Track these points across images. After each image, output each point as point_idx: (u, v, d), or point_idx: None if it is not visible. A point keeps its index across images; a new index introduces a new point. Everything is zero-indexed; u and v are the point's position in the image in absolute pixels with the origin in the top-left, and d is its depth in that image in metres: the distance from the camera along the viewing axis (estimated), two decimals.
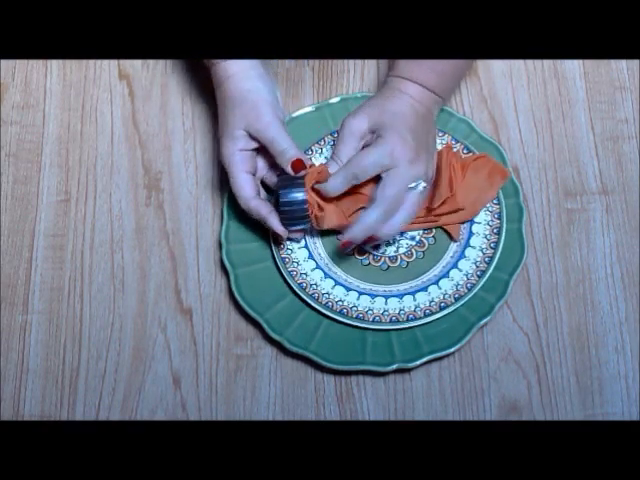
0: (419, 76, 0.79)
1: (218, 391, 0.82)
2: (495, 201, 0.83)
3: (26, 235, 0.88)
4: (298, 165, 0.77)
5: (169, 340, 0.84)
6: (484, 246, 0.82)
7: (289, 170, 0.77)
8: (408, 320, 0.80)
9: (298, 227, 0.80)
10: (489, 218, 0.83)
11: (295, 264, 0.82)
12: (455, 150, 0.84)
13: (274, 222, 0.78)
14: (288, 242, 0.83)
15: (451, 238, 0.83)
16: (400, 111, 0.78)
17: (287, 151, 0.77)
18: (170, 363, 0.83)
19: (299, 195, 0.77)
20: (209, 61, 0.79)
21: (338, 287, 0.82)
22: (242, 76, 0.79)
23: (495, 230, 0.82)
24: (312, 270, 0.82)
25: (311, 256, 0.83)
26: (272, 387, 0.82)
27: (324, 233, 0.84)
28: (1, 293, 0.86)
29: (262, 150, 0.80)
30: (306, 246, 0.84)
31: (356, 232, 0.76)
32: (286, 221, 0.78)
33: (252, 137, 0.78)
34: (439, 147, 0.84)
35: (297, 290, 0.81)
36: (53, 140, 0.92)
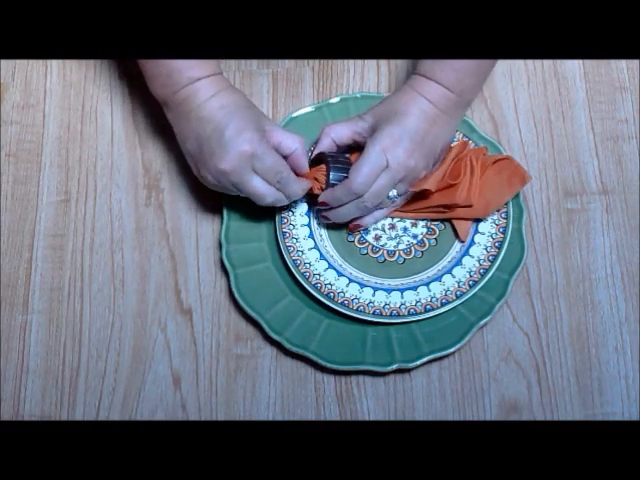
0: (439, 74, 0.77)
1: (218, 391, 0.82)
2: (503, 215, 0.83)
3: (26, 235, 0.88)
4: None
5: (169, 340, 0.84)
6: (482, 257, 0.82)
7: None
8: (391, 316, 0.80)
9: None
10: (493, 230, 0.83)
11: (294, 240, 0.82)
12: (477, 147, 0.84)
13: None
14: (292, 218, 0.83)
15: (457, 237, 0.83)
16: (404, 111, 0.77)
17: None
18: (170, 363, 0.83)
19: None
20: (191, 76, 0.78)
21: (330, 270, 0.82)
22: (233, 89, 0.79)
23: (497, 244, 0.82)
24: (309, 249, 0.83)
25: (311, 235, 0.83)
26: (272, 387, 0.82)
27: None
28: (1, 293, 0.86)
29: None
30: (309, 225, 0.84)
31: (328, 198, 0.78)
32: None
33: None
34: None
35: (291, 266, 0.81)
36: (53, 140, 0.92)
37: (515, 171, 0.82)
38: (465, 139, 0.84)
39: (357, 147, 0.82)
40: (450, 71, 0.77)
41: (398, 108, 0.78)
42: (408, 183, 0.79)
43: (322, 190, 0.79)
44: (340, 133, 0.81)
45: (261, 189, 0.77)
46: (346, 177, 0.78)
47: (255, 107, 0.80)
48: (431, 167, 0.80)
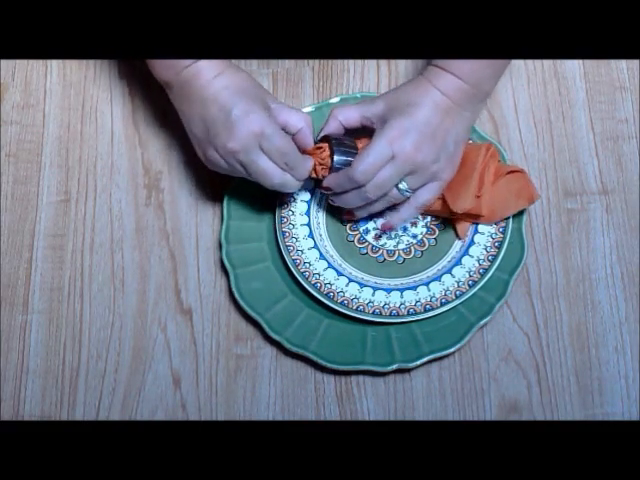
0: (454, 66, 0.76)
1: (218, 391, 0.82)
2: (502, 227, 0.82)
3: (26, 235, 0.88)
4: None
5: (169, 340, 0.84)
6: (482, 257, 0.82)
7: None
8: (391, 315, 0.80)
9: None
10: (493, 230, 0.83)
11: (294, 240, 0.83)
12: (483, 143, 0.83)
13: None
14: (292, 217, 0.83)
15: (457, 235, 0.83)
16: (416, 102, 0.76)
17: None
18: (170, 363, 0.83)
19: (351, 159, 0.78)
20: (184, 61, 0.78)
21: (330, 270, 0.82)
22: (235, 69, 0.78)
23: (496, 244, 0.82)
24: (309, 249, 0.83)
25: (311, 235, 0.83)
26: (272, 387, 0.82)
27: (328, 213, 0.85)
28: (1, 293, 0.86)
29: None
30: (308, 224, 0.84)
31: (331, 183, 0.78)
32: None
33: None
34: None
35: (290, 266, 0.81)
36: (53, 140, 0.92)
37: (525, 186, 0.81)
38: (489, 143, 0.83)
39: (365, 131, 0.80)
40: (465, 62, 0.76)
41: (410, 99, 0.76)
42: (423, 177, 0.77)
43: (328, 173, 0.79)
44: (348, 116, 0.80)
45: (268, 169, 0.76)
46: (351, 162, 0.77)
47: (259, 86, 0.79)
48: (442, 161, 0.77)
